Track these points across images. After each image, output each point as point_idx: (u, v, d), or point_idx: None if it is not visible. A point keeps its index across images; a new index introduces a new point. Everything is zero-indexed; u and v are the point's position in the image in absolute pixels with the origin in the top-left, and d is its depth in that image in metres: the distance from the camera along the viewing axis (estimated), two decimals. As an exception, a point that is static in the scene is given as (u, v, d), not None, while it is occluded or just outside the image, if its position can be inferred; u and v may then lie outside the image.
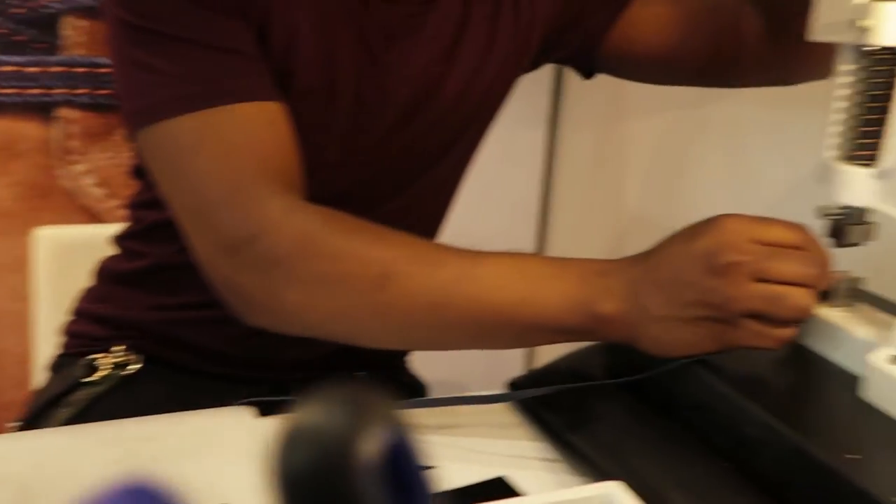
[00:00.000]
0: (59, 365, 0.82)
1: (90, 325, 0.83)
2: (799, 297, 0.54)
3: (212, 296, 0.65)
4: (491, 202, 1.31)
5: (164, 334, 0.79)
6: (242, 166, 0.63)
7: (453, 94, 0.77)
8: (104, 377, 0.76)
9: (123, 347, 0.78)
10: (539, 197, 1.46)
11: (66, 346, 0.84)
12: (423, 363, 0.94)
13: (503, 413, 0.67)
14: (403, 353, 0.92)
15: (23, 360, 1.00)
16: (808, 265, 0.55)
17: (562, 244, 1.47)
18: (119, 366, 0.77)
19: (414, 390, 0.91)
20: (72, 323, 0.85)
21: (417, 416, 0.65)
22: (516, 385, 0.68)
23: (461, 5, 0.76)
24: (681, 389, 0.59)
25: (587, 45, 0.83)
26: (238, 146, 0.63)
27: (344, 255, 0.60)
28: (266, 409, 0.66)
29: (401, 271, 0.59)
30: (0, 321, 1.41)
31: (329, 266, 0.60)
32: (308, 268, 0.60)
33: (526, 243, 1.50)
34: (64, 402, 0.77)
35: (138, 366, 0.77)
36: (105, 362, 0.77)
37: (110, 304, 0.82)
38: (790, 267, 0.54)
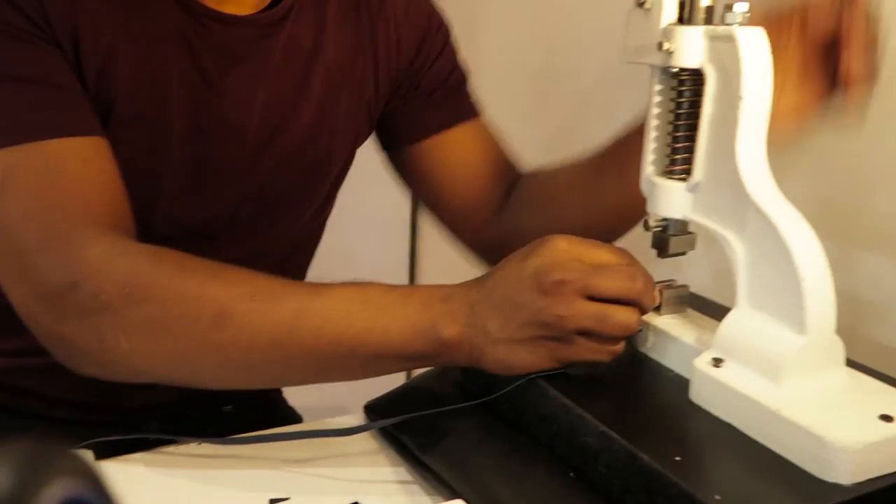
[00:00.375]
0: None
1: None
2: (623, 314, 0.57)
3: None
4: (363, 219, 1.32)
5: (4, 381, 0.76)
6: (56, 207, 0.59)
7: (304, 130, 0.76)
8: None
9: None
10: (409, 214, 1.48)
11: None
12: (295, 389, 0.93)
13: (361, 439, 0.67)
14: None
15: None
16: (629, 280, 0.57)
17: (433, 262, 1.49)
18: None
19: (287, 422, 0.90)
20: None
21: (272, 450, 0.65)
22: (372, 408, 0.68)
23: (312, 34, 0.76)
24: (527, 403, 0.61)
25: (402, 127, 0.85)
26: (50, 186, 0.59)
27: (176, 296, 0.57)
28: (106, 451, 0.62)
29: (238, 310, 0.57)
30: None
31: (160, 310, 0.57)
32: (137, 313, 0.57)
33: (398, 260, 1.52)
34: None
35: None
36: None
37: None
38: (613, 282, 0.56)
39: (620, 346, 0.59)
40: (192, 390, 0.74)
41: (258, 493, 0.61)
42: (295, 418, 0.92)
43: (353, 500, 0.60)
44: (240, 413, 0.85)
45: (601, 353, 0.58)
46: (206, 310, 0.57)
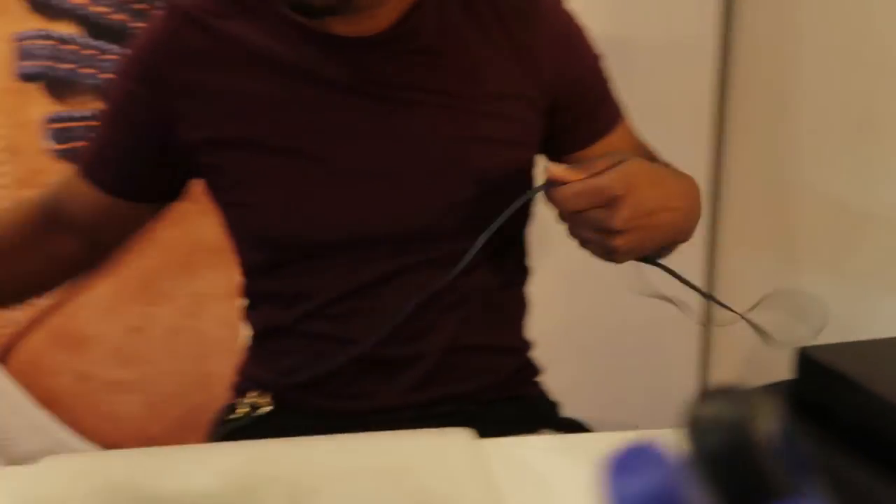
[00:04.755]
0: (226, 405, 0.93)
1: (237, 374, 0.95)
2: None
3: (309, 360, 0.84)
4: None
5: (280, 385, 0.87)
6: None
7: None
8: (241, 416, 0.87)
9: (256, 393, 0.89)
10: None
11: (234, 387, 0.95)
12: (585, 400, 0.94)
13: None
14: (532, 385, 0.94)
15: (230, 381, 1.07)
16: None
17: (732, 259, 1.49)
18: (253, 407, 0.88)
19: (549, 418, 0.92)
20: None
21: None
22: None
23: (454, 46, 0.82)
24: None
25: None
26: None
27: None
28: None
29: None
30: (211, 347, 1.61)
31: None
32: None
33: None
34: (213, 433, 0.90)
35: (269, 408, 0.87)
36: (242, 404, 0.88)
37: (248, 354, 0.94)
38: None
39: None
40: (438, 392, 0.85)
41: None
42: (552, 415, 0.94)
43: None
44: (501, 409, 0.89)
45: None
46: None
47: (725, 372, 1.60)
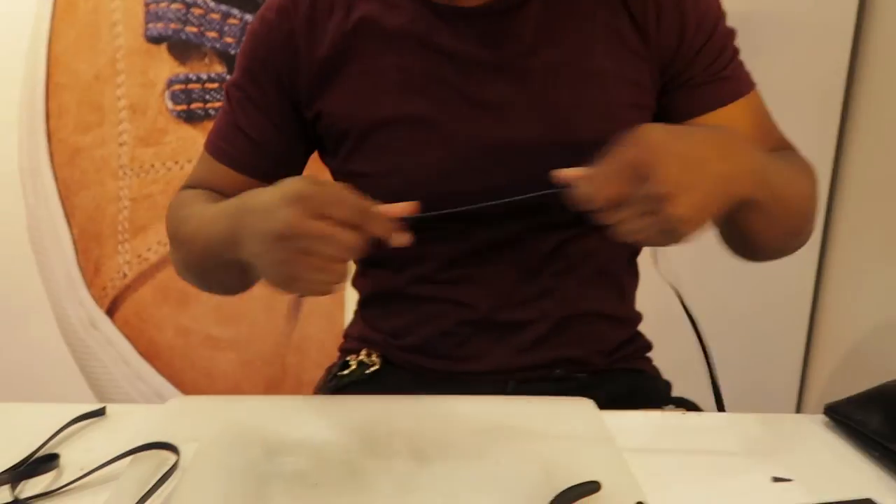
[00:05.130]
0: (332, 365, 0.96)
1: (344, 336, 0.98)
2: (346, 235, 0.65)
3: (420, 322, 0.86)
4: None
5: (389, 345, 0.90)
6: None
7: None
8: (351, 372, 0.90)
9: (366, 352, 0.91)
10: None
11: (339, 348, 0.98)
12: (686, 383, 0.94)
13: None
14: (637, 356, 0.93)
15: (323, 345, 1.11)
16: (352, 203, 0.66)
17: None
18: (363, 364, 0.90)
19: (659, 394, 0.92)
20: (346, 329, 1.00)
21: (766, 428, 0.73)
22: (834, 409, 0.74)
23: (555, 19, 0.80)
24: None
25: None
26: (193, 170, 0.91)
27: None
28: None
29: (178, 231, 0.84)
30: (308, 310, 1.66)
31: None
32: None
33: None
34: (323, 388, 0.93)
35: (377, 367, 0.90)
36: (354, 361, 0.91)
37: (355, 320, 0.96)
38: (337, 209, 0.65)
39: (341, 273, 0.65)
40: (548, 356, 0.85)
41: (759, 470, 0.66)
42: (665, 393, 0.93)
43: (866, 497, 0.62)
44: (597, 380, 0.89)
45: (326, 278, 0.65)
46: (171, 233, 0.85)
47: (829, 362, 1.56)
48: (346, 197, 0.66)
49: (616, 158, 0.63)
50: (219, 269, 0.79)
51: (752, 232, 0.76)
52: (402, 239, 0.68)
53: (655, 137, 0.64)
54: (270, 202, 0.66)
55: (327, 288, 0.65)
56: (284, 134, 0.85)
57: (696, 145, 0.66)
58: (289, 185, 0.66)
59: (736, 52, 0.85)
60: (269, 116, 0.85)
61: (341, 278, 0.66)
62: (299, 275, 0.65)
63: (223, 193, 0.84)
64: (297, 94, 0.83)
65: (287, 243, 0.64)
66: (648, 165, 0.62)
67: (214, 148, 0.88)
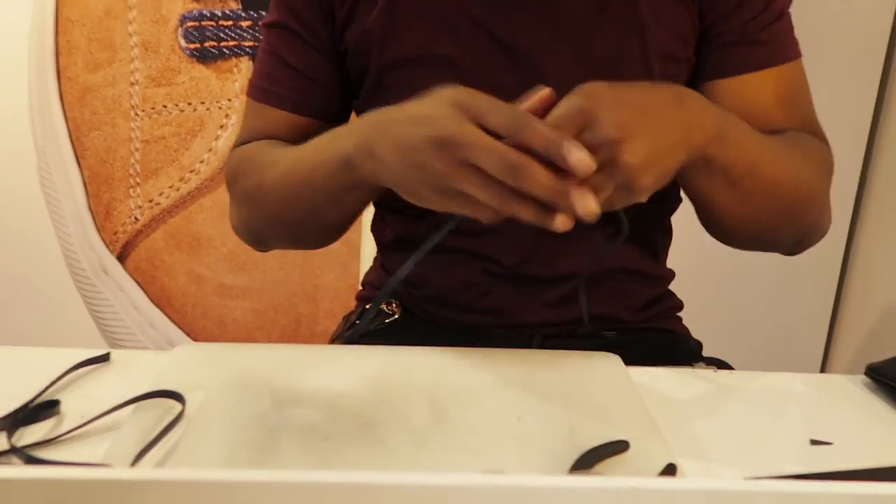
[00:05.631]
0: (350, 314, 0.94)
1: (362, 284, 0.96)
2: (520, 159, 0.56)
3: (441, 271, 0.81)
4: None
5: (410, 295, 0.86)
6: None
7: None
8: (370, 321, 0.87)
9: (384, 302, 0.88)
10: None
11: (357, 297, 0.96)
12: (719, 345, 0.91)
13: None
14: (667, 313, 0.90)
15: (338, 295, 1.09)
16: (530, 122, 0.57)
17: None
18: (382, 314, 0.87)
19: (690, 353, 0.88)
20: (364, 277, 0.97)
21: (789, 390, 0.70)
22: (875, 370, 0.70)
23: None
24: None
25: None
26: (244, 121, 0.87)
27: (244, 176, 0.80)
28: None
29: (264, 176, 0.77)
30: (323, 259, 1.64)
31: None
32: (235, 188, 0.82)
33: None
34: (340, 336, 0.89)
35: (396, 316, 0.87)
36: (371, 309, 0.88)
37: (374, 267, 0.94)
38: (500, 119, 0.57)
39: (508, 208, 0.57)
40: (576, 312, 0.81)
41: (797, 433, 0.64)
42: (695, 352, 0.89)
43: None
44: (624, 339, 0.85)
45: (489, 198, 0.56)
46: (246, 189, 0.80)
47: (856, 325, 1.54)
48: (505, 106, 0.57)
49: (553, 113, 0.57)
50: (327, 205, 0.72)
51: (715, 204, 0.71)
52: (565, 222, 0.58)
53: (597, 87, 0.59)
54: (428, 108, 0.58)
55: (489, 213, 0.57)
56: (334, 66, 0.81)
57: (645, 92, 0.62)
58: (447, 92, 0.59)
59: (782, 14, 0.78)
60: (318, 49, 0.80)
61: (504, 206, 0.57)
62: (461, 188, 0.57)
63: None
64: (335, 24, 0.79)
65: (449, 152, 0.56)
66: (591, 111, 0.56)
67: (262, 92, 0.83)
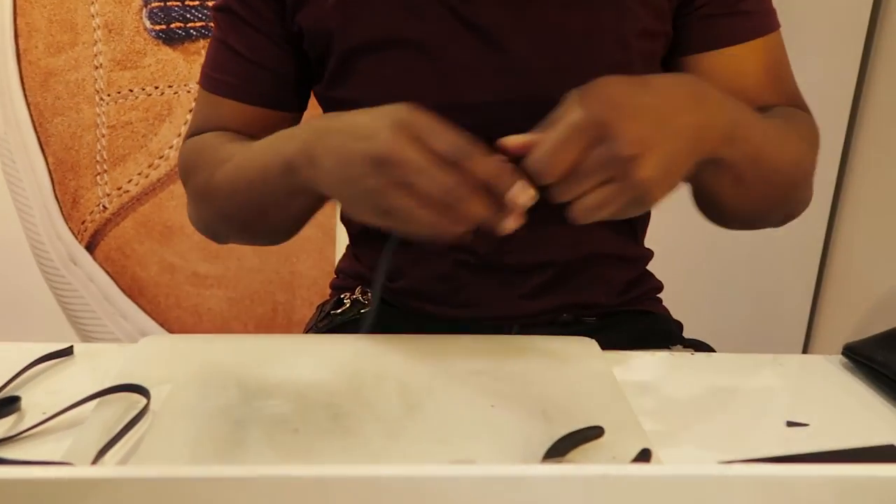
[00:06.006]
0: (324, 303, 0.92)
1: (336, 272, 0.94)
2: (442, 177, 0.55)
3: (414, 263, 0.79)
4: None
5: (384, 285, 0.83)
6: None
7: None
8: (345, 311, 0.85)
9: (360, 289, 0.87)
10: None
11: (331, 285, 0.94)
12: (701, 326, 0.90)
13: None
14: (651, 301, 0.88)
15: (315, 282, 1.07)
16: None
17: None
18: (357, 303, 0.86)
19: (671, 334, 0.87)
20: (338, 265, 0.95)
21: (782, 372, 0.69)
22: (851, 349, 0.69)
23: None
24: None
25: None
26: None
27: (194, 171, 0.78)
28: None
29: (214, 173, 0.74)
30: (298, 246, 1.60)
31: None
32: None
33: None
34: (314, 327, 0.88)
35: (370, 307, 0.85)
36: (348, 300, 0.86)
37: (347, 255, 0.92)
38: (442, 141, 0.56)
39: (442, 228, 0.56)
40: (553, 301, 0.81)
41: (773, 415, 0.63)
42: (676, 334, 0.88)
43: (888, 443, 0.59)
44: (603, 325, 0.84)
45: (422, 218, 0.55)
46: (197, 184, 0.77)
47: (838, 305, 1.54)
48: (449, 130, 0.56)
49: (569, 119, 0.55)
50: (273, 207, 0.70)
51: (722, 196, 0.69)
52: (512, 223, 0.57)
53: (615, 91, 0.56)
54: (370, 123, 0.57)
55: (433, 230, 0.56)
56: (284, 51, 0.78)
57: (662, 96, 0.59)
58: (391, 108, 0.57)
59: None
60: (265, 33, 0.77)
61: (455, 224, 0.56)
62: (394, 207, 0.56)
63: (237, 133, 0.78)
64: (285, 7, 0.76)
65: (385, 170, 0.55)
66: (609, 124, 0.54)
67: (210, 81, 0.80)
